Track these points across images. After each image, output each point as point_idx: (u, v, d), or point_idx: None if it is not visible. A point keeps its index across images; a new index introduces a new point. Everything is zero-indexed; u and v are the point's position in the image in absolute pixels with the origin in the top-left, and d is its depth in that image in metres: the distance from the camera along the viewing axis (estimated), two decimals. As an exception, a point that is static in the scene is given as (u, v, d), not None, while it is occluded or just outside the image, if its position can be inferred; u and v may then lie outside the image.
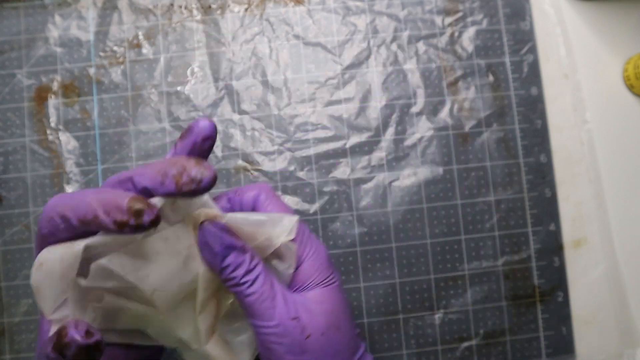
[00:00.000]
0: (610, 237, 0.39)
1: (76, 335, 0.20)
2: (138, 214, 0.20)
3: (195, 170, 0.21)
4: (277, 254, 0.26)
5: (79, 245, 0.21)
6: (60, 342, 0.20)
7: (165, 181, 0.21)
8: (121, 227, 0.20)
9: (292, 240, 0.25)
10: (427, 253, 0.38)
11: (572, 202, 0.39)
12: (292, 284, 0.26)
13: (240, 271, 0.23)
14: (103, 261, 0.21)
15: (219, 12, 0.39)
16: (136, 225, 0.20)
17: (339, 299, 0.26)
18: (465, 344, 0.37)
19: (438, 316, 0.37)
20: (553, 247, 0.38)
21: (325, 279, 0.26)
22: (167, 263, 0.23)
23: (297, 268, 0.26)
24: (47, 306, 0.22)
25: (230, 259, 0.23)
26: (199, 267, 0.24)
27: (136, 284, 0.22)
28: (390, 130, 0.39)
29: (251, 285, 0.23)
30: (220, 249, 0.23)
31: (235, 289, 0.24)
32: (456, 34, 0.40)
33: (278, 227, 0.25)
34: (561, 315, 0.38)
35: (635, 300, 0.38)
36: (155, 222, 0.20)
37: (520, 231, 0.38)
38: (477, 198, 0.38)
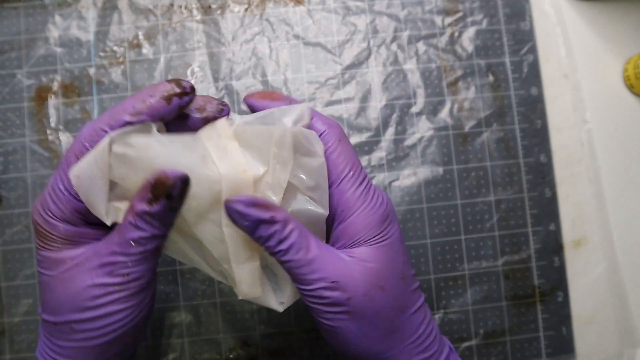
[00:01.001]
0: (610, 237, 0.39)
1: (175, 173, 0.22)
2: (178, 83, 0.23)
3: (175, 83, 0.24)
4: (305, 151, 0.24)
5: (104, 140, 0.22)
6: (159, 184, 0.21)
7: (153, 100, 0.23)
8: (169, 98, 0.23)
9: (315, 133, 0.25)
10: (427, 253, 0.38)
11: (572, 202, 0.39)
12: (339, 238, 0.25)
13: (272, 242, 0.23)
14: (116, 148, 0.22)
15: (219, 12, 0.39)
16: (181, 92, 0.23)
17: (387, 258, 0.24)
18: (465, 344, 0.37)
19: (438, 316, 0.37)
20: (553, 247, 0.38)
21: (374, 237, 0.24)
22: (179, 152, 0.22)
23: (345, 220, 0.25)
24: (102, 213, 0.22)
25: (261, 231, 0.23)
26: (221, 169, 0.23)
27: (146, 163, 0.22)
28: (390, 130, 0.39)
29: (285, 254, 0.23)
30: (249, 225, 0.23)
31: (272, 255, 0.24)
32: (456, 34, 0.40)
33: (288, 114, 0.24)
34: (561, 315, 0.38)
35: (635, 300, 0.38)
36: (192, 89, 0.24)
37: (520, 231, 0.38)
38: (477, 198, 0.38)
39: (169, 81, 0.23)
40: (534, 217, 0.38)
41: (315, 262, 0.23)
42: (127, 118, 0.23)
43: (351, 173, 0.25)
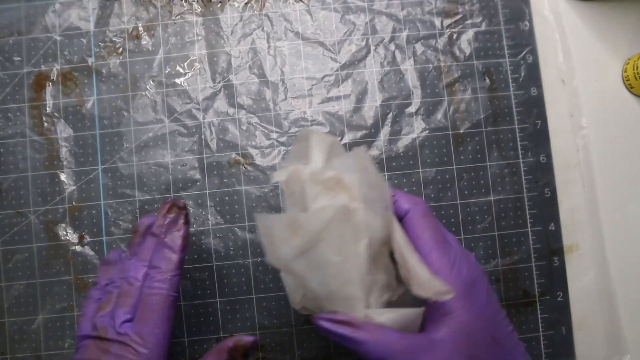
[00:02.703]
0: (601, 244, 0.38)
1: None
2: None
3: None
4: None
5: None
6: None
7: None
8: None
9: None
10: (417, 253, 0.38)
11: (566, 207, 0.39)
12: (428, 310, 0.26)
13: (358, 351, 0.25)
14: None
15: (219, 5, 0.40)
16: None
17: (476, 326, 0.25)
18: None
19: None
20: (553, 247, 0.38)
21: (460, 307, 0.25)
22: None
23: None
24: None
25: (346, 344, 0.25)
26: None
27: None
28: (386, 130, 0.39)
29: None
30: (334, 339, 0.25)
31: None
32: (455, 35, 0.40)
33: (425, 288, 0.25)
34: (561, 316, 0.38)
35: (624, 308, 0.38)
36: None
37: (519, 231, 0.38)
38: (476, 198, 0.38)
39: None
40: (532, 217, 0.38)
41: None
42: None
43: (435, 247, 0.27)
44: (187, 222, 0.29)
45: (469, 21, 0.40)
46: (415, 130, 0.39)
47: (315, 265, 0.25)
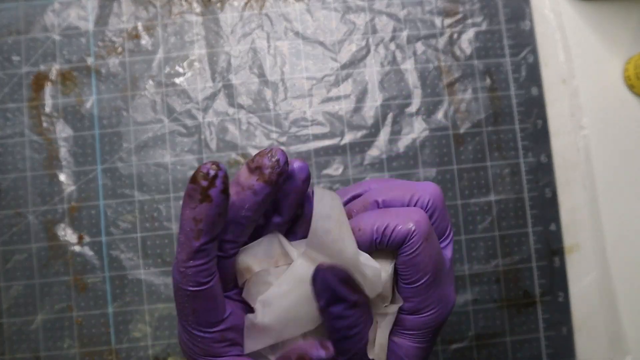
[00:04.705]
0: (602, 245, 0.38)
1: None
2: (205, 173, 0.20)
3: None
4: None
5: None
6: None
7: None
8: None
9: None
10: (417, 253, 0.38)
11: (566, 208, 0.39)
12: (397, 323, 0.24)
13: (341, 323, 0.22)
14: None
15: (218, 5, 0.39)
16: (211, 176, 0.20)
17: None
18: (465, 344, 0.37)
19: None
20: (553, 248, 0.38)
21: (422, 339, 0.24)
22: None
23: (412, 315, 0.24)
24: None
25: (336, 309, 0.21)
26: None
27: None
28: (386, 130, 0.39)
29: (347, 341, 0.22)
30: (329, 298, 0.21)
31: (329, 332, 0.23)
32: (455, 35, 0.40)
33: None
34: (562, 316, 0.38)
35: (626, 308, 0.38)
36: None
37: (519, 231, 0.38)
38: (476, 198, 0.38)
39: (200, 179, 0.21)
40: (533, 217, 0.38)
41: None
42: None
43: (430, 278, 0.23)
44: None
45: (469, 21, 0.40)
46: (416, 130, 0.39)
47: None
